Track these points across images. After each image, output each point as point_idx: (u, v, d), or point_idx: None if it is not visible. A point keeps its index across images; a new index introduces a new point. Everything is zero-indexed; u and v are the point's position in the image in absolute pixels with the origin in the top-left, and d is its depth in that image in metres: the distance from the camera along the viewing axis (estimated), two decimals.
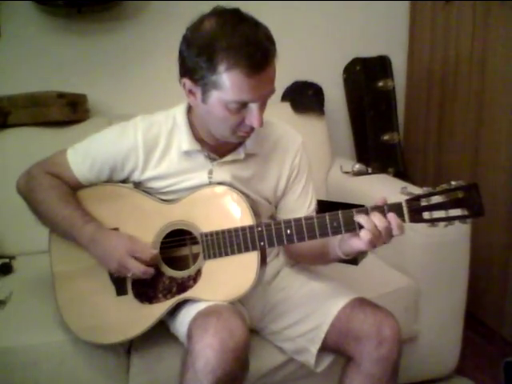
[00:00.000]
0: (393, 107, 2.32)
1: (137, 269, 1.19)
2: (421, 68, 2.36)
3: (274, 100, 2.23)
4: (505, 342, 1.94)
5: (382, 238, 1.10)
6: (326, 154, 2.15)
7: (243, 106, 1.11)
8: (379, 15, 2.35)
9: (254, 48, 1.05)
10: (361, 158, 2.36)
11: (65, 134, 1.90)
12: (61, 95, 1.89)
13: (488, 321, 2.04)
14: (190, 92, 1.15)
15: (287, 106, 2.13)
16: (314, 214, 1.36)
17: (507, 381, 1.51)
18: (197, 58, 1.08)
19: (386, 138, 2.31)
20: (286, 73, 2.15)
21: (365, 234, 1.09)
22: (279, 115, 2.05)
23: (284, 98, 2.20)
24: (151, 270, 1.20)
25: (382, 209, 1.12)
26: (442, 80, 2.25)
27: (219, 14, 1.10)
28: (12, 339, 1.34)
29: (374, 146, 2.31)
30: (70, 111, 1.91)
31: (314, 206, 1.38)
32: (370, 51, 2.32)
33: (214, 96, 1.10)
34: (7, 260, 1.73)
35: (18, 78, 2.00)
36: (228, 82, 1.06)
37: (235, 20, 1.08)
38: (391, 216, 1.10)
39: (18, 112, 1.86)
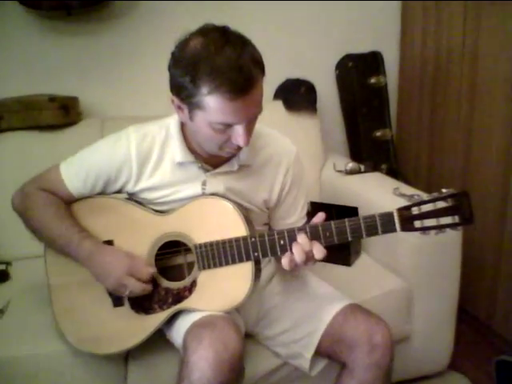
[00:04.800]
0: (385, 103, 2.32)
1: (135, 288, 1.20)
2: (413, 63, 2.35)
3: (266, 98, 2.20)
4: (497, 337, 1.97)
5: (303, 262, 1.15)
6: (319, 152, 2.15)
7: (228, 126, 1.11)
8: (371, 11, 2.33)
9: (236, 73, 1.03)
10: (354, 154, 2.36)
11: (58, 138, 1.89)
12: (52, 99, 1.87)
13: (480, 315, 2.07)
14: (179, 108, 1.16)
15: (279, 104, 2.12)
16: (305, 219, 1.38)
17: (499, 379, 1.53)
18: (182, 78, 1.08)
19: (378, 134, 2.32)
20: (277, 70, 2.14)
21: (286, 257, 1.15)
22: (271, 114, 2.05)
23: (276, 96, 2.19)
24: (149, 287, 1.22)
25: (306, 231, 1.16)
26: (434, 75, 2.25)
27: (205, 33, 1.09)
28: (13, 349, 1.35)
29: (366, 142, 2.31)
30: (62, 114, 1.90)
31: (304, 212, 1.40)
32: (363, 47, 2.31)
33: (199, 116, 1.11)
34: (3, 267, 1.72)
35: (8, 82, 1.99)
36: (211, 105, 1.07)
37: (221, 41, 1.06)
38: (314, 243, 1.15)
39: (10, 116, 1.84)
